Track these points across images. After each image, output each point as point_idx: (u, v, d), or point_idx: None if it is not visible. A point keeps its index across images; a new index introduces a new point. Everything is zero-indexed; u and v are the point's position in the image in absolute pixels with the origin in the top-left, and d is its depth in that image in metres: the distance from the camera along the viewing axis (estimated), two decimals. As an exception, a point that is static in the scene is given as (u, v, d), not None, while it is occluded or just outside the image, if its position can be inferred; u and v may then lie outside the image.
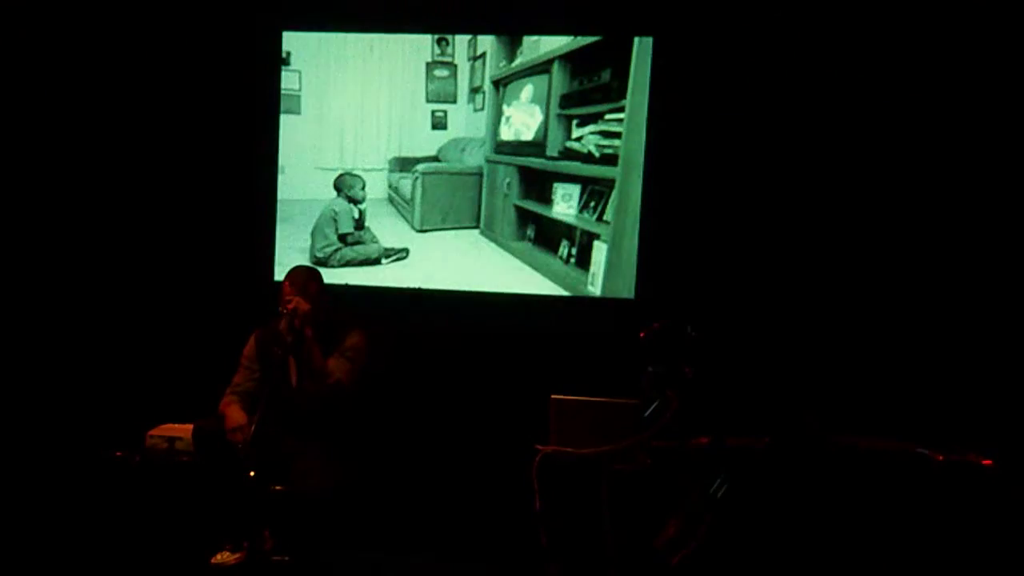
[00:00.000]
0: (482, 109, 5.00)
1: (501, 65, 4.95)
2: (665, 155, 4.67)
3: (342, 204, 5.12)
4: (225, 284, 4.98)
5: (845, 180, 4.45)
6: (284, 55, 5.06)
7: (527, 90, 4.94)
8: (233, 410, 3.82)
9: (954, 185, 4.30)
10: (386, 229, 5.13)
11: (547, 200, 4.96)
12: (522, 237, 5.03)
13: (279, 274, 4.97)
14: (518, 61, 4.92)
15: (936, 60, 4.31)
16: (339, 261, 5.08)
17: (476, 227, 5.09)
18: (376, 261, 5.11)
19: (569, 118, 4.88)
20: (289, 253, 5.04)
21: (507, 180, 5.02)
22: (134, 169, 5.02)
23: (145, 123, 5.00)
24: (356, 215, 5.13)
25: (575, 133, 4.87)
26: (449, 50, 5.00)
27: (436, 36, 4.98)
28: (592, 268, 4.86)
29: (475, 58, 4.98)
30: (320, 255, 5.06)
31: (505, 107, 4.98)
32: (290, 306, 3.81)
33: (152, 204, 5.02)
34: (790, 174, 4.51)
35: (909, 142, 4.37)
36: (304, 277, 3.97)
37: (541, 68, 4.90)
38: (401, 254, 5.10)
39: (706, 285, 4.55)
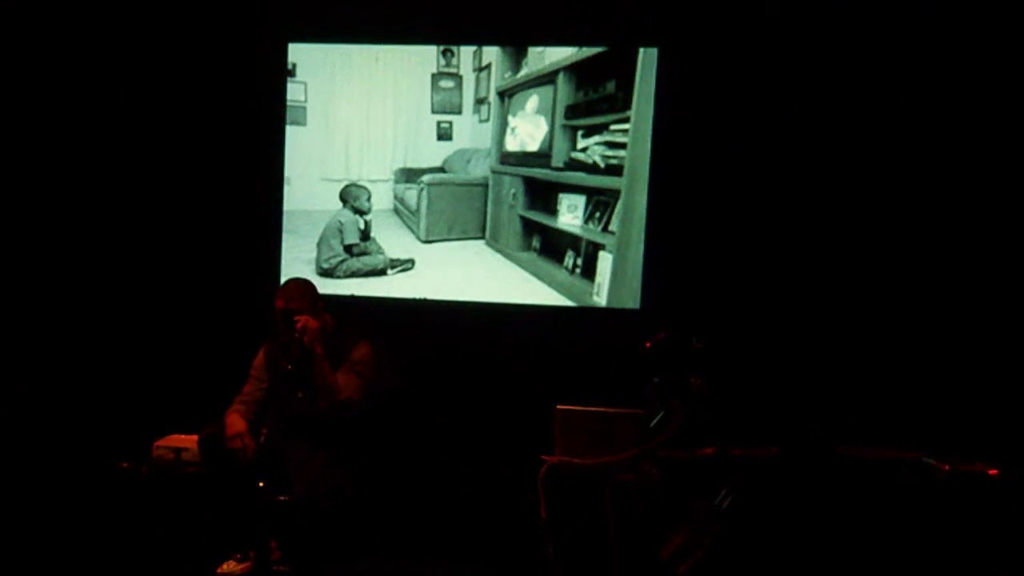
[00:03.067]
0: (487, 120, 5.02)
1: (506, 76, 4.96)
2: (670, 165, 4.68)
3: (348, 215, 5.13)
4: (231, 295, 4.98)
5: (852, 191, 4.45)
6: (290, 67, 5.08)
7: (532, 101, 4.96)
8: (233, 418, 3.84)
9: (959, 197, 4.30)
10: (392, 240, 5.14)
11: (552, 211, 4.98)
12: (527, 247, 5.04)
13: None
14: (523, 72, 4.94)
15: (943, 61, 4.31)
16: (345, 272, 5.09)
17: (482, 238, 5.10)
18: (382, 272, 5.12)
19: (574, 129, 4.90)
20: (295, 264, 5.06)
21: (512, 191, 5.03)
22: (140, 179, 5.03)
23: (152, 133, 5.02)
24: (362, 226, 5.14)
25: (580, 144, 4.88)
26: (454, 61, 5.02)
27: (441, 47, 5.00)
28: (597, 278, 4.87)
29: (480, 69, 5.00)
30: (326, 266, 5.07)
31: (510, 118, 4.99)
32: (299, 325, 3.80)
33: (159, 215, 5.04)
34: (796, 184, 4.51)
35: (918, 150, 4.36)
36: (305, 292, 3.95)
37: (546, 79, 4.92)
38: (407, 265, 5.11)
39: (711, 295, 4.55)
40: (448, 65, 5.03)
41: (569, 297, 4.92)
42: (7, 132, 4.93)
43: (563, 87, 4.89)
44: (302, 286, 4.01)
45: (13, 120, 4.93)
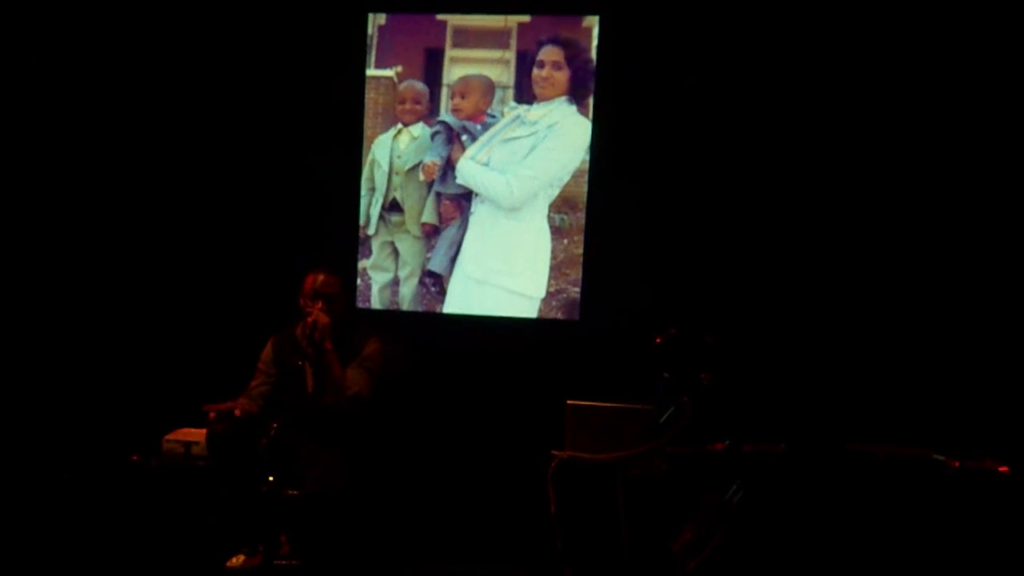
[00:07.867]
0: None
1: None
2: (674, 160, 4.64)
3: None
4: (240, 288, 4.95)
5: (862, 186, 4.41)
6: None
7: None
8: (239, 401, 3.90)
9: (968, 190, 4.27)
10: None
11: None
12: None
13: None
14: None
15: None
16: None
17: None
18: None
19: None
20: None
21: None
22: (143, 173, 4.96)
23: (157, 117, 4.90)
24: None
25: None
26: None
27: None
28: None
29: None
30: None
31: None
32: (310, 319, 3.83)
33: (167, 207, 4.98)
34: (804, 180, 4.47)
35: (920, 133, 4.31)
36: (334, 287, 3.98)
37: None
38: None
39: (722, 291, 4.52)
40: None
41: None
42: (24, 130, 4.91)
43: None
44: (335, 276, 4.03)
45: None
